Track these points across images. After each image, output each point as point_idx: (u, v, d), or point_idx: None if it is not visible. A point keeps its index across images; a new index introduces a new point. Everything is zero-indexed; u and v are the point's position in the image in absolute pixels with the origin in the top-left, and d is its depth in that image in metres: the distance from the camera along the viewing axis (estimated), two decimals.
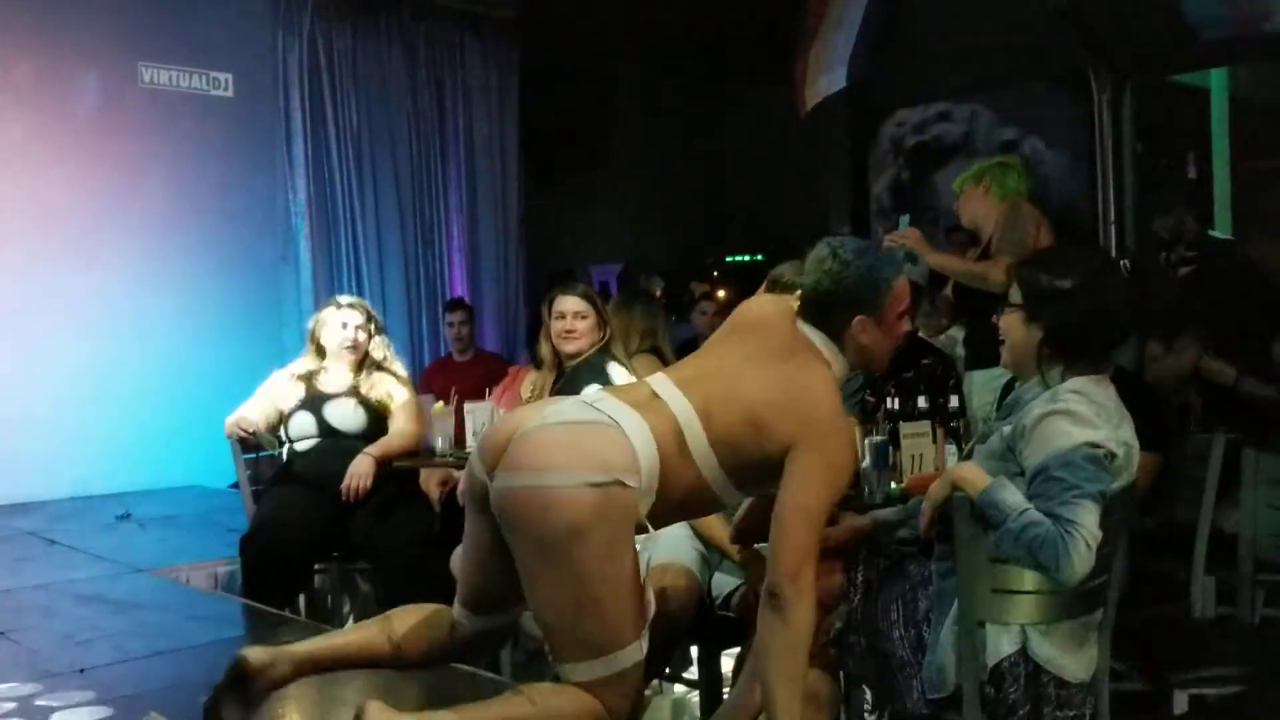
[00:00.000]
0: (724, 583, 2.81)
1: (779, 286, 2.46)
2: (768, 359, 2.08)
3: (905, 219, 4.24)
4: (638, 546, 1.97)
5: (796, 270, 2.92)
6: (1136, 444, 2.16)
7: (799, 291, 2.17)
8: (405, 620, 2.14)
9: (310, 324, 4.09)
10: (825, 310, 2.13)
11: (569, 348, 3.50)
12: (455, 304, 6.04)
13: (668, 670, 3.06)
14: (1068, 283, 2.16)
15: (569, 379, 3.45)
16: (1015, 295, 2.23)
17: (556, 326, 3.51)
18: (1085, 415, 2.06)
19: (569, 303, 3.50)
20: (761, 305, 2.28)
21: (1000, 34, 5.94)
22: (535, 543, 1.89)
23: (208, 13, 6.48)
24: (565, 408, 2.03)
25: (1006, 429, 2.19)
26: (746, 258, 8.46)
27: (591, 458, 1.89)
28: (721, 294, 7.85)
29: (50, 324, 5.87)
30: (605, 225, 8.91)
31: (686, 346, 6.16)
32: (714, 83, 7.57)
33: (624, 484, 1.89)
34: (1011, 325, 2.24)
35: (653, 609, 1.97)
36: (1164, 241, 4.67)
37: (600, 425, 1.95)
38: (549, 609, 1.92)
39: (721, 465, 2.01)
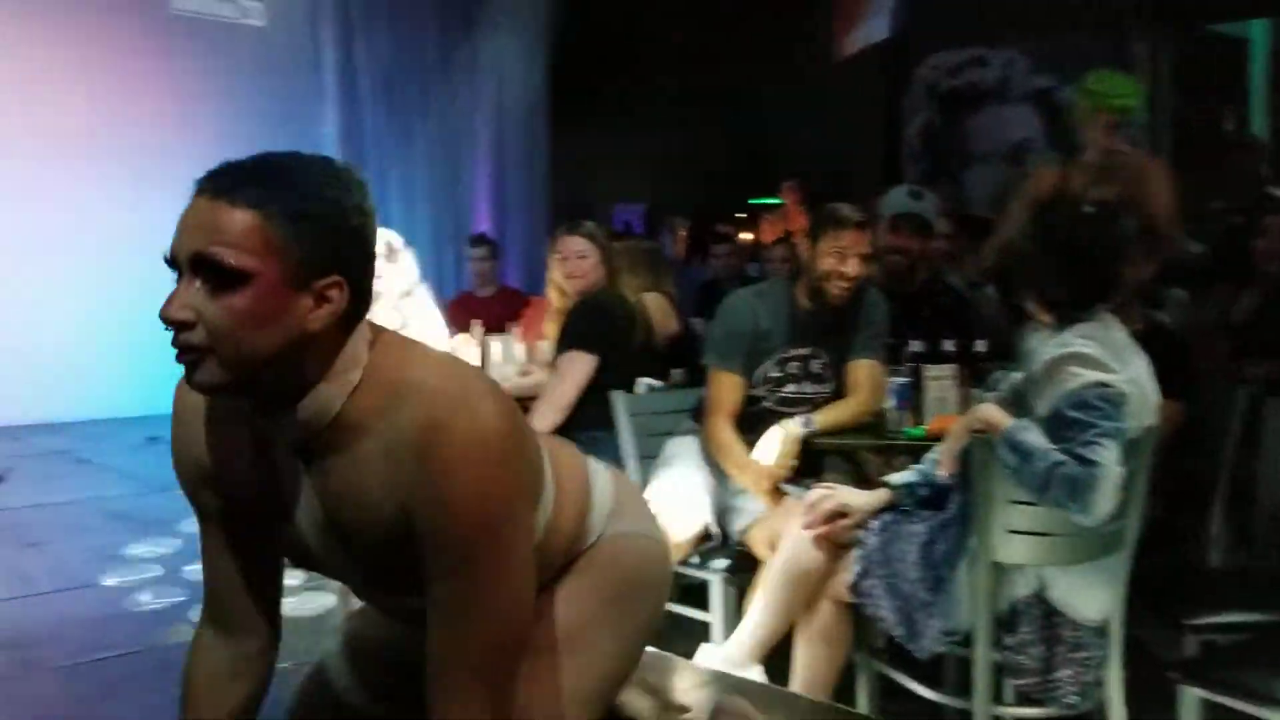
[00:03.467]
0: (741, 513, 2.82)
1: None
2: None
3: None
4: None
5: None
6: (1151, 384, 2.16)
7: None
8: None
9: None
10: None
11: (572, 287, 3.55)
12: (478, 239, 6.03)
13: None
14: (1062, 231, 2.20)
15: (572, 317, 3.51)
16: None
17: (560, 267, 3.58)
18: (1094, 357, 2.07)
19: (570, 243, 3.55)
20: None
21: None
22: None
23: None
24: None
25: (1018, 376, 2.20)
26: (773, 200, 8.40)
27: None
28: (746, 236, 7.80)
29: (81, 248, 5.92)
30: (632, 164, 8.86)
31: (706, 289, 6.19)
32: (746, 22, 7.46)
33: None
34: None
35: None
36: (1223, 194, 4.53)
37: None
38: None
39: None
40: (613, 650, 1.47)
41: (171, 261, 1.16)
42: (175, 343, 1.15)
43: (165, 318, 1.14)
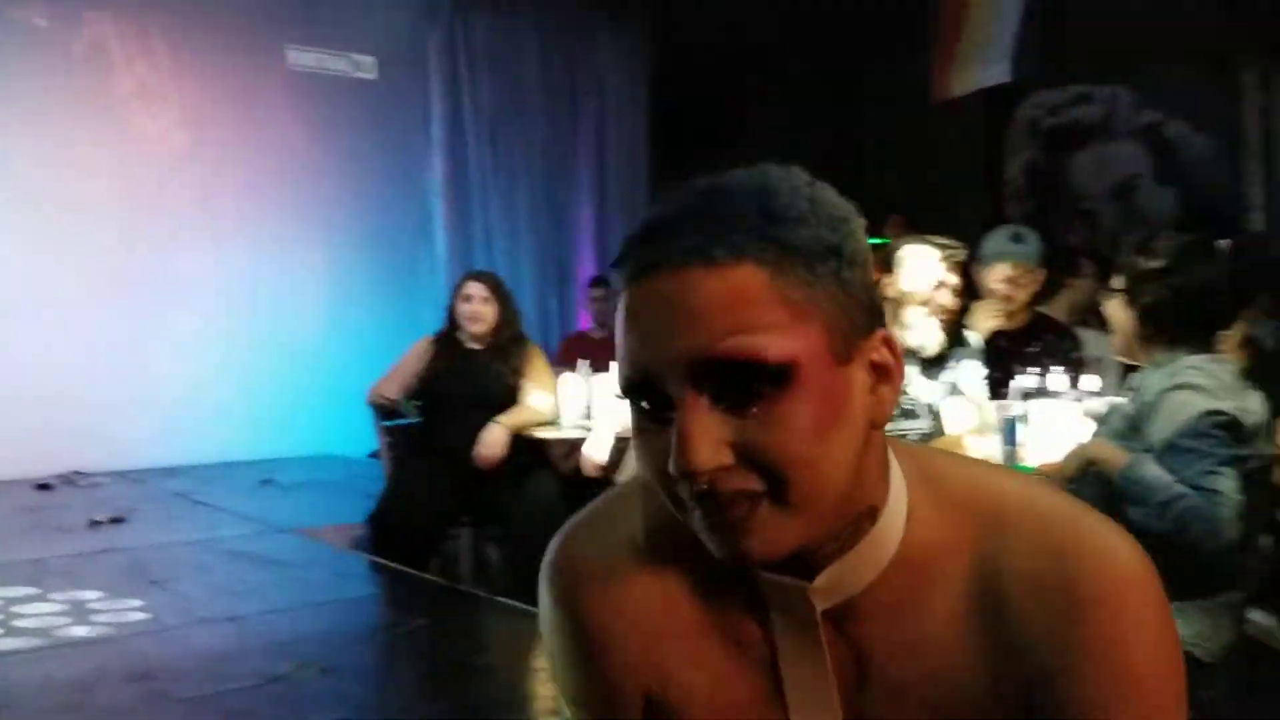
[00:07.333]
0: None
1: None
2: None
3: None
4: None
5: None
6: (1267, 416, 2.13)
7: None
8: None
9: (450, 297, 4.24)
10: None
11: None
12: (599, 281, 6.13)
13: None
14: (1159, 263, 2.18)
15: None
16: (1116, 280, 2.27)
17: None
18: (1205, 386, 2.05)
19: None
20: None
21: (1144, 14, 5.76)
22: None
23: None
24: None
25: (1130, 409, 2.18)
26: (877, 240, 8.35)
27: None
28: None
29: (197, 297, 6.17)
30: None
31: None
32: (847, 62, 7.49)
33: None
34: (1114, 310, 2.26)
35: None
36: None
37: None
38: None
39: None
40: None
41: (639, 386, 0.77)
42: (718, 500, 0.74)
43: (695, 469, 0.73)
